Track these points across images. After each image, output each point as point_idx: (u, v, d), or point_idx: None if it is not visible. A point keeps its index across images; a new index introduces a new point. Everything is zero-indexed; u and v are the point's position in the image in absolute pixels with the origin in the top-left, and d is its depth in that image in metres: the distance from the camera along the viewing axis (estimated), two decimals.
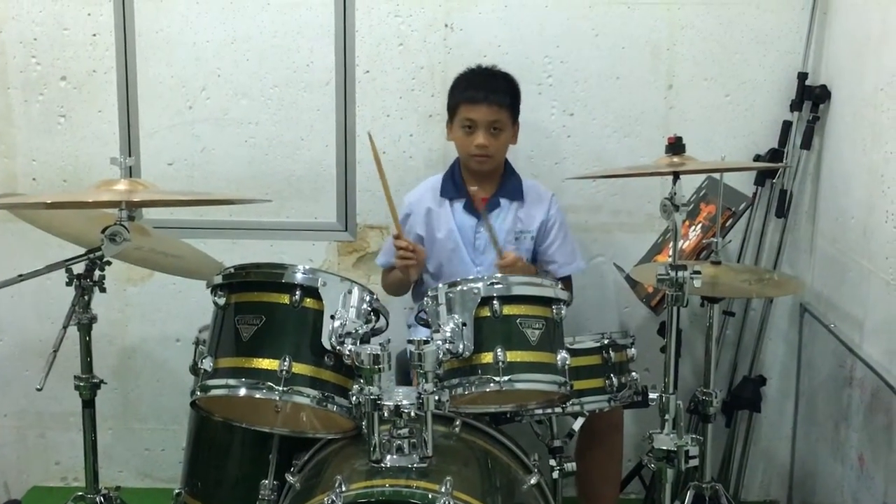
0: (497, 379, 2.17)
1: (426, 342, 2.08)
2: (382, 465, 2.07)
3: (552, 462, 2.50)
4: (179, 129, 3.29)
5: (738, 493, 3.38)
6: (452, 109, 2.92)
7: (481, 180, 2.95)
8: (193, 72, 3.25)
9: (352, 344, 2.11)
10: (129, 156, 2.43)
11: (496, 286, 2.25)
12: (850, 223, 2.88)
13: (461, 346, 2.17)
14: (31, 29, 3.25)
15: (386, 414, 2.06)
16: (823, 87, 3.11)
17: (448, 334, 2.17)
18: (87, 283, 2.28)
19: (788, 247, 3.26)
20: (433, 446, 2.09)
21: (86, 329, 2.33)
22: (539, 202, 2.98)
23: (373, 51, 3.24)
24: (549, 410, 2.47)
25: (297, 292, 2.17)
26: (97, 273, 2.29)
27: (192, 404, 2.25)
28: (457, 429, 2.29)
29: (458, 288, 2.26)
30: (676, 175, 2.23)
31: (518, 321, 2.24)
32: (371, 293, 2.28)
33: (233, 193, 3.24)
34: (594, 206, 3.31)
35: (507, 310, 2.24)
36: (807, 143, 3.15)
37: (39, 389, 2.10)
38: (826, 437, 3.03)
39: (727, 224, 2.83)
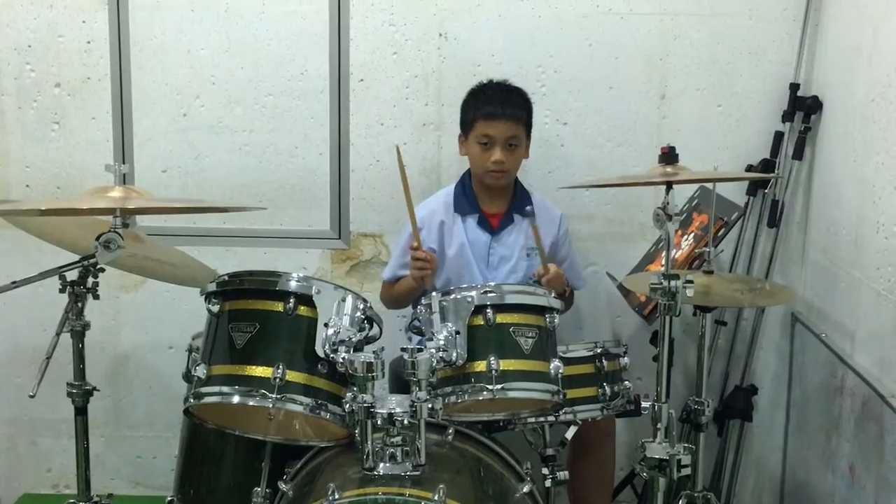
0: (490, 387, 2.17)
1: (420, 350, 2.09)
2: (375, 472, 2.07)
3: (545, 470, 2.51)
4: (173, 136, 3.29)
5: (729, 502, 3.38)
6: (468, 125, 2.91)
7: (494, 195, 2.96)
8: (188, 79, 3.26)
9: (345, 352, 2.11)
10: (124, 163, 2.43)
11: (489, 294, 2.26)
12: (842, 233, 2.89)
13: (454, 355, 2.17)
14: (25, 36, 3.25)
15: (379, 422, 2.06)
16: (815, 97, 3.12)
17: (441, 342, 2.18)
18: (80, 290, 2.28)
19: (780, 257, 3.27)
20: (426, 454, 2.09)
21: (79, 336, 2.33)
22: (550, 221, 2.99)
23: (367, 59, 3.24)
24: (542, 419, 2.48)
25: (291, 300, 2.17)
26: (90, 280, 2.29)
27: (186, 411, 2.25)
28: (450, 437, 2.29)
29: (452, 296, 2.27)
30: (669, 185, 2.24)
31: (511, 329, 2.25)
32: (365, 301, 2.29)
33: (227, 201, 3.25)
34: (587, 216, 3.32)
35: (501, 318, 2.24)
36: (798, 154, 3.16)
37: (32, 396, 2.10)
38: (817, 447, 3.04)
39: (719, 234, 2.85)
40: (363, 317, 2.26)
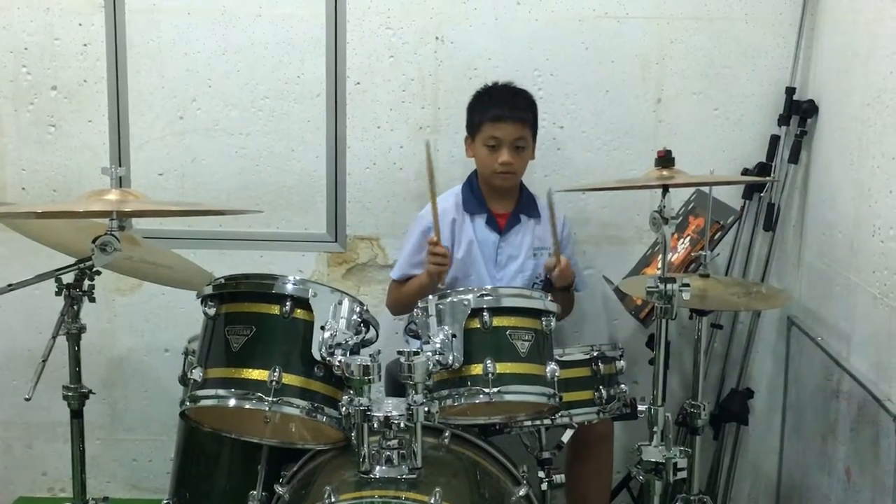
0: (486, 390, 2.18)
1: (416, 353, 2.09)
2: (372, 476, 2.07)
3: (541, 474, 2.51)
4: (170, 139, 3.29)
5: None
6: (475, 127, 2.92)
7: (501, 196, 2.97)
8: (184, 82, 3.26)
9: (342, 355, 2.11)
10: (120, 166, 2.44)
11: (486, 298, 2.27)
12: (838, 237, 2.90)
13: (451, 358, 2.17)
14: (22, 38, 3.24)
15: (375, 425, 2.06)
16: (811, 101, 3.12)
17: (438, 346, 2.18)
18: (76, 293, 2.28)
19: (776, 260, 3.27)
20: (422, 457, 2.09)
21: (75, 339, 2.32)
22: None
23: (364, 63, 3.24)
24: (539, 422, 2.48)
25: (288, 303, 2.17)
26: (87, 283, 2.28)
27: (182, 414, 2.25)
28: (446, 440, 2.29)
29: (449, 299, 2.27)
30: (666, 188, 2.24)
31: (508, 333, 2.25)
32: (361, 304, 2.29)
33: (223, 204, 3.24)
34: (583, 219, 3.32)
35: (497, 321, 2.25)
36: (794, 158, 3.17)
37: (28, 399, 2.10)
38: (813, 450, 3.04)
39: (715, 237, 2.85)
40: (360, 320, 2.26)
